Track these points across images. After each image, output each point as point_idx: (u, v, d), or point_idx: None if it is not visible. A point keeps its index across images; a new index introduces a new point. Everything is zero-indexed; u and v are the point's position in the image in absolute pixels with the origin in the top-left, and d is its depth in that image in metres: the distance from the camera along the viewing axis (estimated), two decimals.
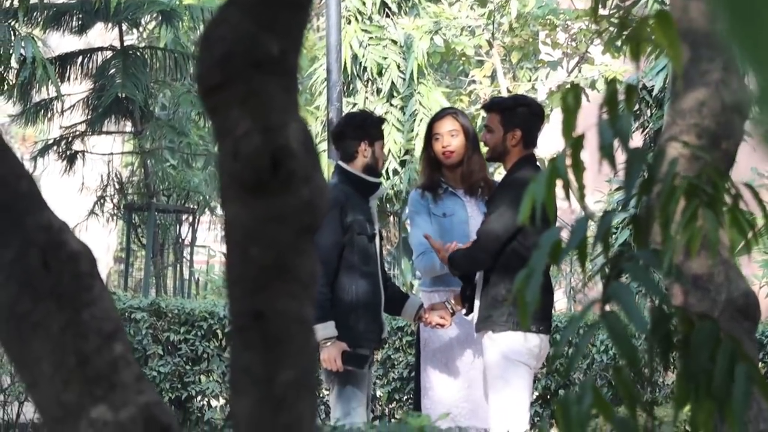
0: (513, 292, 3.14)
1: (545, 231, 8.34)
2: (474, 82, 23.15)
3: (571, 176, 3.14)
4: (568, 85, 22.84)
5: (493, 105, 9.48)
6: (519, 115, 9.10)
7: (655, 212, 3.12)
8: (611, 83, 3.23)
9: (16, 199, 2.94)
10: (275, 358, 2.77)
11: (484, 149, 9.59)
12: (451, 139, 9.42)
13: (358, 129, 9.27)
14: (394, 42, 21.67)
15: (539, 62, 23.62)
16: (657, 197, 3.10)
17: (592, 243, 3.20)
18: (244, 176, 2.70)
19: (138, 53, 22.24)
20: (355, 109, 18.64)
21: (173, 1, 21.47)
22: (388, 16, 22.03)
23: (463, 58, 23.36)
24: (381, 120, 9.82)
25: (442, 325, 9.19)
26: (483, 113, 9.39)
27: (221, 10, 2.82)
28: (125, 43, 22.25)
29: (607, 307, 3.00)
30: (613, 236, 15.94)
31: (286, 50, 2.75)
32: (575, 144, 3.14)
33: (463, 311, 9.17)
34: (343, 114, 12.31)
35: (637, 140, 19.04)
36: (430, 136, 9.61)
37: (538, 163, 9.34)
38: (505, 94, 20.68)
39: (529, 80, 23.31)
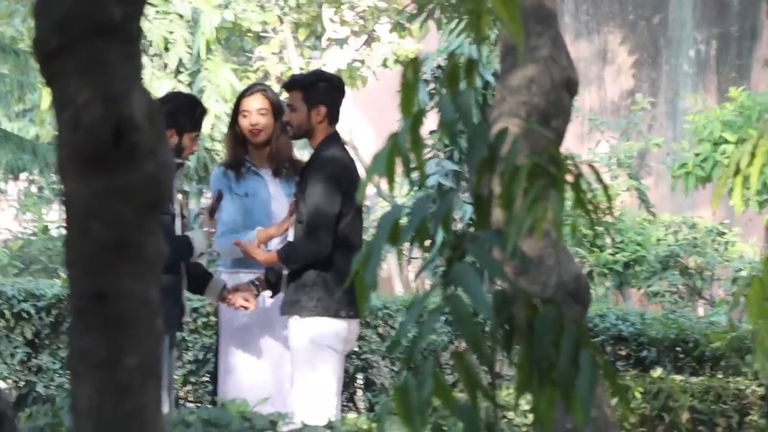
0: (350, 276, 3.01)
1: (355, 210, 8.41)
2: (262, 58, 23.16)
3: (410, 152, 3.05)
4: (358, 63, 23.20)
5: (295, 83, 9.35)
6: (321, 91, 9.06)
7: (496, 192, 3.03)
8: (451, 57, 3.16)
9: None
10: (119, 341, 2.65)
11: None
12: (260, 117, 9.30)
13: (167, 116, 8.75)
14: (181, 16, 21.58)
15: (329, 40, 23.69)
16: (499, 176, 3.01)
17: (431, 223, 3.05)
18: (84, 149, 2.58)
19: None
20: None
21: None
22: None
23: (249, 34, 23.35)
24: (197, 110, 9.58)
25: (246, 308, 9.07)
26: (285, 91, 9.17)
27: None
28: None
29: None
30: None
31: (129, 15, 2.63)
32: (415, 120, 3.06)
33: (269, 294, 9.13)
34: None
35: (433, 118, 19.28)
36: (237, 112, 9.45)
37: (342, 140, 9.31)
38: (297, 71, 20.72)
39: (310, 59, 23.39)
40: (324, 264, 8.78)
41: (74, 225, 2.62)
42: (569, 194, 3.09)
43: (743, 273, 19.40)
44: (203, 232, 9.24)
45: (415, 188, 18.47)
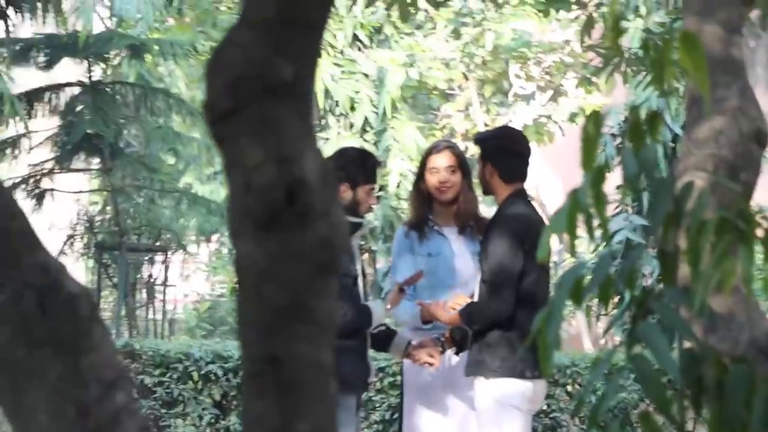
0: (531, 335, 2.97)
1: (542, 270, 8.32)
2: (448, 116, 23.18)
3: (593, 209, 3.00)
4: (544, 118, 23.12)
5: (478, 137, 9.69)
6: (489, 149, 9.05)
7: (682, 248, 2.97)
8: (633, 111, 3.12)
9: (9, 238, 2.78)
10: (291, 406, 2.63)
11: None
12: (448, 175, 9.25)
13: (339, 170, 8.79)
14: (366, 75, 21.65)
15: (515, 96, 23.67)
16: (685, 231, 2.95)
17: (617, 280, 3.00)
18: (257, 211, 2.56)
19: (106, 88, 22.20)
20: (328, 145, 18.59)
21: (141, 35, 21.38)
22: (359, 49, 22.03)
23: (435, 92, 23.39)
24: (368, 162, 9.47)
25: (431, 364, 9.01)
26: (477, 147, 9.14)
27: (231, 31, 2.69)
28: (93, 78, 22.09)
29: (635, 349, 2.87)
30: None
31: (300, 74, 2.61)
32: (596, 175, 3.00)
33: (454, 351, 9.05)
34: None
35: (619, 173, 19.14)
36: (423, 169, 9.42)
37: (528, 197, 9.20)
38: (482, 128, 20.72)
39: (497, 114, 23.38)
40: (508, 323, 8.70)
41: (247, 287, 2.60)
42: (759, 249, 3.01)
43: None
44: (383, 304, 9.24)
45: (601, 244, 18.40)
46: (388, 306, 9.18)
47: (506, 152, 9.00)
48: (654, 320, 2.93)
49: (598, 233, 3.06)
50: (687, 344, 2.91)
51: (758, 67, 25.83)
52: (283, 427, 2.60)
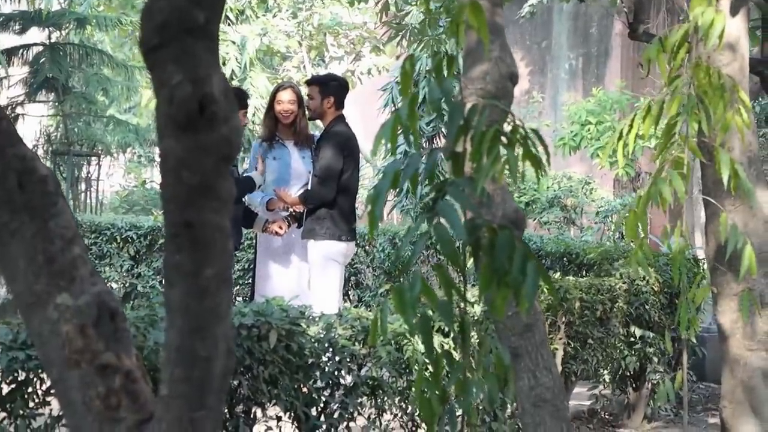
0: (364, 207, 2.80)
1: (354, 168, 8.27)
2: (287, 71, 23.35)
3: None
4: (349, 72, 23.01)
5: (314, 80, 9.43)
6: (331, 87, 9.10)
7: (468, 150, 2.86)
8: (436, 55, 2.97)
9: None
10: (201, 257, 2.43)
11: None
12: (289, 105, 9.19)
13: None
14: (234, 42, 21.75)
15: (330, 57, 23.86)
16: (471, 139, 2.85)
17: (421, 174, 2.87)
18: (177, 117, 2.35)
19: (60, 48, 22.46)
20: None
21: (84, 12, 21.55)
22: (229, 24, 22.17)
23: (278, 54, 23.53)
24: (243, 95, 9.73)
25: (279, 234, 9.06)
26: (306, 87, 9.15)
27: None
28: (52, 41, 22.49)
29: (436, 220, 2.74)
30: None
31: (210, 20, 2.40)
32: (411, 99, 2.90)
33: (295, 225, 9.08)
34: None
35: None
36: (273, 101, 9.32)
37: (346, 120, 9.23)
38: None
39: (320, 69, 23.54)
40: (331, 204, 8.80)
41: (169, 173, 2.39)
42: (519, 150, 2.91)
43: (602, 208, 19.37)
44: (257, 173, 9.19)
45: (389, 155, 18.56)
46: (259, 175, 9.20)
47: (341, 88, 9.17)
48: (448, 200, 2.79)
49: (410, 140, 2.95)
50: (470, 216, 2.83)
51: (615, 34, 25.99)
52: (194, 272, 2.43)
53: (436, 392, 2.89)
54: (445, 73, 2.96)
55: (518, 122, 2.96)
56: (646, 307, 8.59)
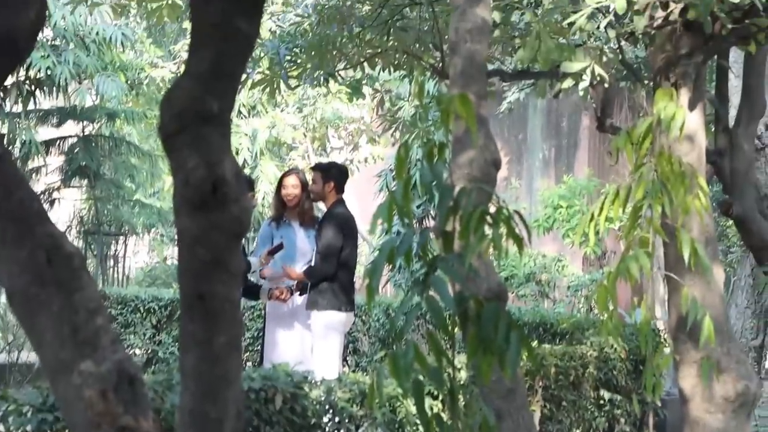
0: (362, 281, 2.75)
1: (353, 245, 8.21)
2: (293, 159, 23.33)
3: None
4: (348, 161, 23.03)
5: (317, 167, 9.40)
6: (332, 173, 9.06)
7: (457, 229, 2.83)
8: (428, 143, 2.95)
9: (30, 214, 2.49)
10: (212, 326, 2.36)
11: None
12: (293, 190, 9.20)
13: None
14: (246, 134, 21.77)
15: (331, 148, 23.90)
16: (459, 219, 2.81)
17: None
18: (192, 197, 2.30)
19: (93, 139, 22.43)
20: None
21: (114, 107, 21.45)
22: (242, 118, 22.19)
23: (285, 144, 23.53)
24: (250, 180, 10.31)
25: (284, 300, 8.96)
26: (311, 172, 9.15)
27: (178, 79, 2.39)
28: (85, 133, 22.38)
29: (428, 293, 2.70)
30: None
31: (223, 108, 2.36)
32: (405, 182, 2.87)
33: (298, 293, 8.99)
34: None
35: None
36: (280, 186, 9.34)
37: (345, 203, 9.19)
38: None
39: (323, 158, 23.55)
40: (332, 278, 8.69)
41: (185, 248, 2.33)
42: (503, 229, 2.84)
43: (573, 282, 19.32)
44: (258, 259, 9.14)
45: (386, 233, 18.50)
46: (262, 261, 9.13)
47: (341, 174, 9.11)
48: (439, 275, 2.74)
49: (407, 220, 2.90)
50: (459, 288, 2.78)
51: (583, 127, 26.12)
52: (207, 340, 2.37)
53: None
54: (436, 158, 2.92)
55: (502, 204, 2.92)
56: (614, 372, 8.51)
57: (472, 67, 4.17)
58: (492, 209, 2.89)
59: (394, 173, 3.23)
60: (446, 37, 8.78)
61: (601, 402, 8.44)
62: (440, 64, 8.40)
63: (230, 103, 2.37)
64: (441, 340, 2.85)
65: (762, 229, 7.67)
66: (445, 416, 2.95)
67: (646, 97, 24.47)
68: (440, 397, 5.74)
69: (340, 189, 9.01)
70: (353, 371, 10.30)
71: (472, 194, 2.92)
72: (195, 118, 2.29)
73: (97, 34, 20.04)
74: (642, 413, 9.05)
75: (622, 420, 8.71)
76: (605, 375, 8.46)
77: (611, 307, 4.88)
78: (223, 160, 2.32)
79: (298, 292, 8.93)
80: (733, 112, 8.48)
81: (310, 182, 9.11)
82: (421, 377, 2.85)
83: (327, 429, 5.38)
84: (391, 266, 10.18)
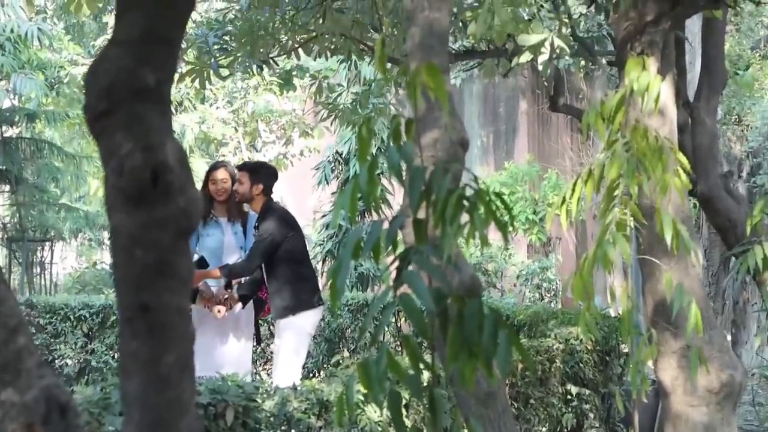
0: (326, 280, 2.44)
1: (299, 236, 7.89)
2: (224, 155, 22.99)
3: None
4: (281, 155, 22.73)
5: (245, 166, 9.00)
6: (261, 174, 8.71)
7: (432, 216, 2.52)
8: (394, 119, 2.64)
9: None
10: (159, 343, 2.00)
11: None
12: (223, 184, 8.82)
13: None
14: (174, 131, 21.37)
15: (263, 142, 23.59)
16: (434, 204, 2.50)
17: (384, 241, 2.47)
18: (128, 189, 1.94)
19: (13, 142, 21.92)
20: None
21: (35, 108, 20.97)
22: None
23: (215, 140, 23.17)
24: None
25: (218, 317, 8.50)
26: (237, 171, 8.72)
27: (105, 48, 2.02)
28: (4, 135, 21.86)
29: (402, 290, 2.37)
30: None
31: (161, 81, 1.99)
32: (371, 164, 2.55)
33: (239, 306, 8.56)
34: None
35: (334, 186, 19.02)
36: (207, 180, 8.93)
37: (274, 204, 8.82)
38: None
39: (255, 153, 23.27)
40: (291, 276, 8.38)
41: (120, 251, 1.96)
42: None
43: (522, 271, 19.19)
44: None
45: (326, 228, 18.20)
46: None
47: (270, 176, 8.76)
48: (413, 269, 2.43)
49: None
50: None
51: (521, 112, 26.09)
52: (152, 361, 1.99)
53: None
54: (404, 137, 2.63)
55: (482, 186, 2.62)
56: (581, 365, 8.25)
57: (431, 37, 3.86)
58: (468, 192, 2.60)
59: (357, 154, 2.83)
60: (386, 17, 8.48)
61: (569, 397, 8.19)
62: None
63: (169, 75, 2.01)
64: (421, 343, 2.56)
65: (729, 208, 7.44)
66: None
67: (584, 79, 24.44)
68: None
69: (268, 191, 8.67)
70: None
71: (447, 175, 2.60)
72: (127, 94, 1.94)
73: (12, 31, 19.57)
74: (607, 406, 8.81)
75: (591, 415, 8.46)
76: (572, 369, 8.20)
77: (587, 298, 4.62)
78: (165, 143, 1.97)
79: (240, 305, 8.52)
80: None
81: (237, 182, 8.71)
82: (396, 389, 2.58)
83: None
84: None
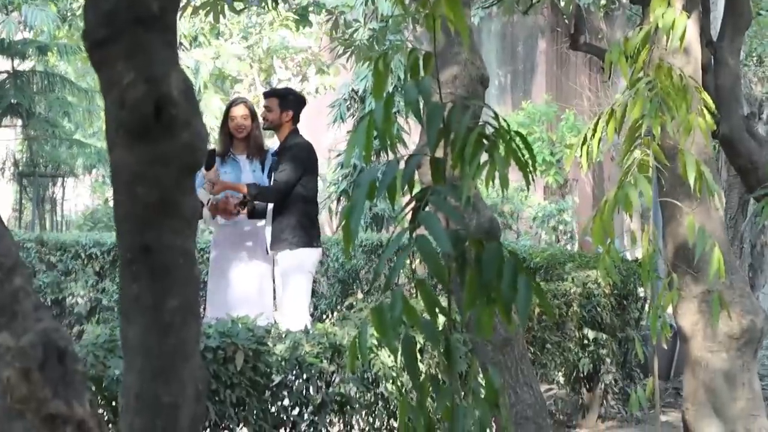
0: (339, 220, 2.31)
1: (315, 178, 7.81)
2: (238, 92, 22.93)
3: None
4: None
5: (273, 92, 8.82)
6: (290, 101, 8.53)
7: (451, 155, 2.42)
8: (412, 53, 2.57)
9: None
10: (162, 287, 1.90)
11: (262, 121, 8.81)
12: (243, 121, 8.63)
13: None
14: (188, 66, 21.25)
15: (278, 79, 23.57)
16: (452, 142, 2.40)
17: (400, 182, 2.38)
18: (129, 123, 1.84)
19: (23, 74, 22.01)
20: None
21: (47, 41, 20.88)
22: (183, 50, 21.70)
23: (230, 76, 23.08)
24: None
25: (230, 212, 8.41)
26: (263, 99, 8.59)
27: None
28: (15, 68, 21.90)
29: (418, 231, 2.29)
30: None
31: (165, 8, 1.88)
32: (387, 101, 2.41)
33: (245, 211, 8.46)
34: None
35: (350, 124, 18.94)
36: (226, 117, 8.76)
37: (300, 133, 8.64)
38: (261, 99, 20.68)
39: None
40: (298, 212, 8.26)
41: (122, 189, 1.87)
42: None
43: (539, 213, 19.09)
44: (202, 190, 8.41)
45: (341, 167, 18.05)
46: (212, 179, 8.43)
47: (299, 103, 8.61)
48: (430, 211, 2.34)
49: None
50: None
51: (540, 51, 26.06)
52: (155, 306, 1.90)
53: (422, 421, 2.46)
54: (422, 72, 2.54)
55: (503, 123, 2.52)
56: (598, 309, 8.16)
57: None
58: (489, 130, 2.47)
59: (372, 90, 2.75)
60: None
61: (585, 342, 8.10)
62: None
63: (174, 2, 1.90)
64: (432, 287, 2.46)
65: (751, 150, 7.31)
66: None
67: (604, 19, 24.16)
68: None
69: (296, 118, 8.53)
70: (311, 314, 9.86)
71: (467, 112, 2.48)
72: (130, 21, 1.83)
73: None
74: (624, 351, 8.74)
75: (608, 360, 8.37)
76: (589, 313, 8.11)
77: (608, 240, 4.52)
78: (169, 73, 1.86)
79: (245, 211, 8.42)
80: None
81: (262, 110, 8.58)
82: (412, 334, 2.49)
83: (294, 388, 4.96)
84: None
